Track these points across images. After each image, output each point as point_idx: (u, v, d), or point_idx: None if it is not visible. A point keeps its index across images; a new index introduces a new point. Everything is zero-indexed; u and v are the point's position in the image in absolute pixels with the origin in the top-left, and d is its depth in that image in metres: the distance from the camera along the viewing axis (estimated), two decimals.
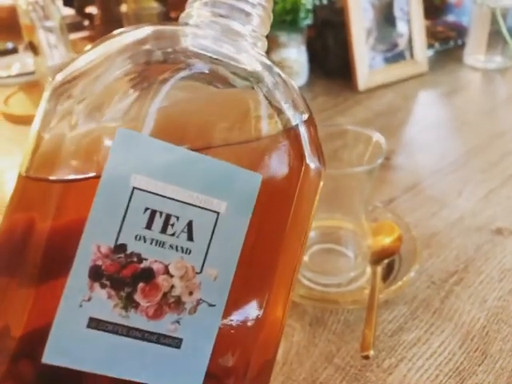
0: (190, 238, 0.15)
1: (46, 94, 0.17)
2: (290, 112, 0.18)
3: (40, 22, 0.67)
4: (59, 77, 0.17)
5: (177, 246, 0.15)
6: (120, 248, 0.15)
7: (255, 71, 0.18)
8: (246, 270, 0.16)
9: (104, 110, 0.15)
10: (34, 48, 0.70)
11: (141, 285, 0.15)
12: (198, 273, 0.15)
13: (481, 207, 0.43)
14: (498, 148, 0.54)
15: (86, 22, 1.01)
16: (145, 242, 0.15)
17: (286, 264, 0.18)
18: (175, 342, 0.15)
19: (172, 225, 0.15)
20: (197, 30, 0.18)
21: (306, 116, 0.19)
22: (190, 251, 0.15)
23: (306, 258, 0.36)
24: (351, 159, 0.33)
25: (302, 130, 0.18)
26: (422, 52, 0.75)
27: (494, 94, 0.71)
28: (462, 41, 0.82)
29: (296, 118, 0.18)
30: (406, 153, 0.54)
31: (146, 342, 0.15)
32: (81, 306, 0.14)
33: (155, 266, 0.15)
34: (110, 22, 0.84)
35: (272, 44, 0.69)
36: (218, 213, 0.16)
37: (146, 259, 0.15)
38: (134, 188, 0.15)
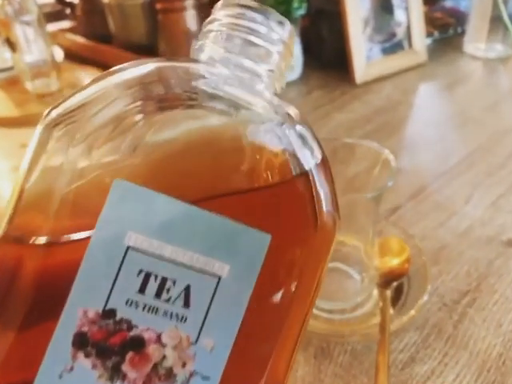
0: (187, 304, 0.14)
1: (38, 131, 0.15)
2: (302, 156, 0.16)
3: (16, 17, 0.62)
4: (54, 112, 0.15)
5: (171, 313, 0.14)
6: (109, 313, 0.14)
7: (266, 114, 0.16)
8: (247, 332, 0.15)
9: (100, 146, 0.14)
10: (11, 44, 0.66)
11: (130, 354, 0.13)
12: (193, 343, 0.14)
13: (490, 215, 0.41)
14: (504, 147, 0.51)
15: (68, 10, 0.96)
16: (136, 307, 0.14)
17: (291, 325, 0.16)
18: None
19: (168, 289, 0.14)
20: (207, 68, 0.16)
21: (319, 158, 0.17)
22: (186, 319, 0.14)
23: None
24: (358, 176, 0.31)
25: (316, 176, 0.16)
26: (421, 41, 0.72)
27: (497, 86, 0.68)
28: (461, 28, 0.79)
29: (309, 162, 0.16)
30: (408, 154, 0.51)
31: None
32: (61, 376, 0.13)
33: (146, 335, 0.14)
34: (92, 12, 0.80)
35: None
36: (219, 277, 0.14)
37: (136, 326, 0.14)
38: (128, 247, 0.13)
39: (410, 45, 0.71)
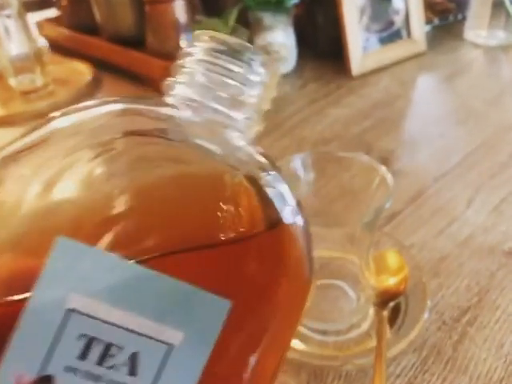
0: (133, 372, 0.13)
1: None
2: (274, 207, 0.15)
3: None
4: (10, 148, 0.15)
5: (115, 382, 0.13)
6: (45, 380, 0.13)
7: (235, 163, 0.15)
8: None
9: (57, 185, 0.14)
10: None
11: None
12: None
13: (492, 221, 0.39)
14: (508, 144, 0.49)
15: None
16: (76, 374, 0.13)
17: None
18: None
19: (112, 356, 0.13)
20: (174, 112, 0.15)
21: (292, 208, 0.16)
22: None
23: None
24: (353, 189, 0.29)
25: (289, 230, 0.15)
26: (420, 29, 0.69)
27: (499, 77, 0.65)
28: (462, 14, 0.76)
29: (282, 215, 0.15)
30: (406, 153, 0.49)
31: None
32: None
33: None
34: (78, 2, 0.76)
35: (256, 27, 0.63)
36: (171, 345, 0.13)
37: None
38: (69, 310, 0.13)
39: (409, 33, 0.68)
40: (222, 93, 0.15)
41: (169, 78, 0.16)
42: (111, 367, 0.13)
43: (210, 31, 0.15)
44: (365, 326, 0.31)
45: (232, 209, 0.14)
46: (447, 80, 0.64)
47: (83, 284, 0.13)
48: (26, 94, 0.65)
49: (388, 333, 0.29)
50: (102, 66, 0.70)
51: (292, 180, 0.30)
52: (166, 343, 0.13)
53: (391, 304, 0.30)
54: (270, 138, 0.53)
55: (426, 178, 0.45)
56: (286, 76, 0.65)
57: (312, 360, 0.27)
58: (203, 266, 0.14)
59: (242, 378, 0.14)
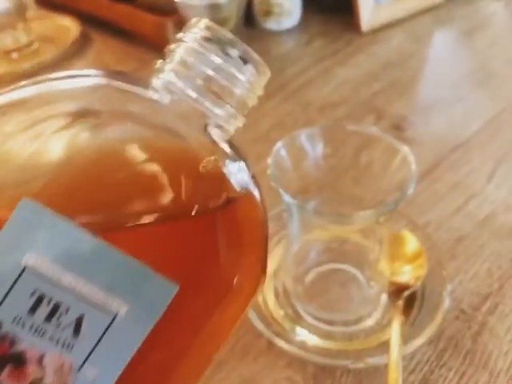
0: (77, 333, 0.14)
1: None
2: (232, 184, 0.15)
3: None
4: None
5: (58, 339, 0.14)
6: None
7: (199, 147, 0.16)
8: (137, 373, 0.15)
9: (33, 148, 0.14)
10: None
11: (8, 367, 0.14)
12: (75, 370, 0.14)
13: None
14: None
15: None
16: (23, 326, 0.14)
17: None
18: None
19: (59, 315, 0.14)
20: (157, 96, 0.16)
21: (250, 188, 0.16)
22: (73, 347, 0.14)
23: (302, 287, 0.29)
24: (372, 168, 0.26)
25: (246, 205, 0.16)
26: None
27: None
28: None
29: (240, 192, 0.15)
30: (421, 119, 0.45)
31: None
32: None
33: (29, 353, 0.14)
34: None
35: None
36: (115, 314, 0.14)
37: (20, 343, 0.14)
38: (25, 267, 0.14)
39: None
40: (206, 85, 0.15)
41: (159, 61, 0.16)
42: (57, 326, 0.14)
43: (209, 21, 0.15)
44: (376, 316, 0.28)
45: (191, 184, 0.15)
46: (465, 36, 0.59)
47: (41, 245, 0.14)
48: (8, 53, 0.60)
49: (403, 325, 0.26)
50: (91, 22, 0.64)
51: (299, 156, 0.27)
52: (111, 312, 0.14)
53: (406, 293, 0.28)
54: (273, 102, 0.49)
55: (442, 148, 0.41)
56: (289, 31, 0.60)
57: (319, 358, 0.25)
58: (165, 238, 0.15)
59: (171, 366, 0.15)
